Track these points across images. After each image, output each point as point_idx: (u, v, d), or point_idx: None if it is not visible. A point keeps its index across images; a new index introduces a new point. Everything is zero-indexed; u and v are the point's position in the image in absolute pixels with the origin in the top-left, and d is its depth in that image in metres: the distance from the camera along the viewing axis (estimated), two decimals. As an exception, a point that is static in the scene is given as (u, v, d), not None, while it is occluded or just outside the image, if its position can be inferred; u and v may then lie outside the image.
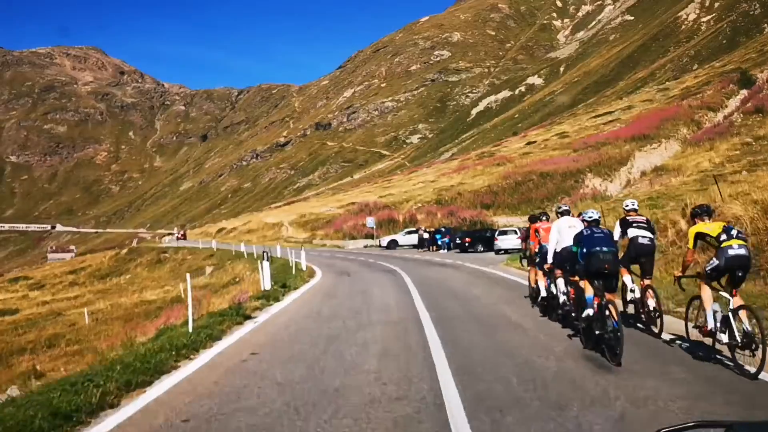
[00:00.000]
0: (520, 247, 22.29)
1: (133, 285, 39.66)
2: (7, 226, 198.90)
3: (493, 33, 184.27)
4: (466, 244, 33.44)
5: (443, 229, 37.85)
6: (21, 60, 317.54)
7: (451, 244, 35.46)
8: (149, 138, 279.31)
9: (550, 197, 39.86)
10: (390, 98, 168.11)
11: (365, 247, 44.61)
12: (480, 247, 32.96)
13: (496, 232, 30.83)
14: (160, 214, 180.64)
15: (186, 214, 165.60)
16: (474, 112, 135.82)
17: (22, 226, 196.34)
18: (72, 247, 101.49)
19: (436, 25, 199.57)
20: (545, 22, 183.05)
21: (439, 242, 36.70)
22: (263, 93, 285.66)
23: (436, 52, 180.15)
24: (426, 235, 37.93)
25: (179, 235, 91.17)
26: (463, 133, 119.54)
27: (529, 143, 49.46)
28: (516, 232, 27.15)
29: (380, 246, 41.60)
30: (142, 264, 51.69)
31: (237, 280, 24.00)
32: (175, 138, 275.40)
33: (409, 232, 41.22)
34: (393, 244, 40.77)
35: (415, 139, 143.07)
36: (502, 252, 28.87)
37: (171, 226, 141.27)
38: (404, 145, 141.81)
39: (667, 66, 75.20)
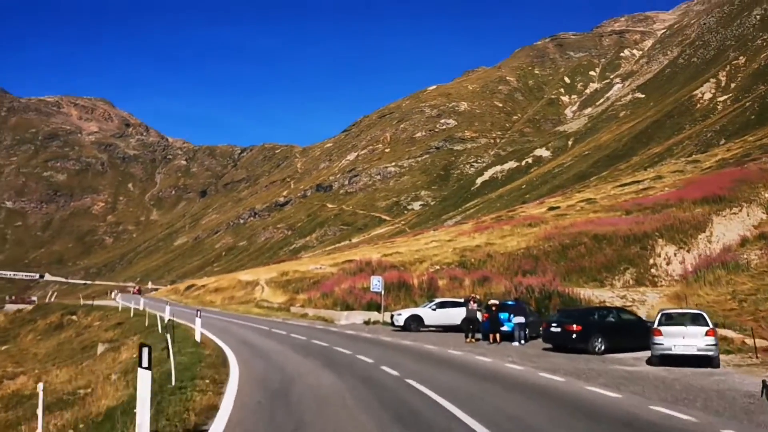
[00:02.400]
0: (709, 352, 15.27)
1: (6, 361, 31.72)
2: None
3: (500, 104, 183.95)
4: (574, 336, 19.00)
5: (513, 303, 24.02)
6: (28, 107, 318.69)
7: (526, 333, 22.58)
8: (148, 191, 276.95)
9: (610, 267, 31.23)
10: (393, 163, 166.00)
11: (366, 324, 31.47)
12: (599, 345, 18.91)
13: (657, 317, 16.57)
14: (151, 268, 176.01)
15: (178, 269, 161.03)
16: (479, 181, 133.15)
17: (9, 274, 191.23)
18: (33, 298, 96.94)
19: (444, 93, 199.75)
20: (553, 96, 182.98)
21: (508, 326, 22.78)
22: (266, 152, 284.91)
23: (442, 121, 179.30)
24: (478, 312, 23.41)
25: (134, 290, 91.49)
26: (466, 202, 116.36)
27: (551, 209, 44.75)
28: (704, 320, 15.69)
29: (393, 325, 28.48)
30: (37, 329, 43.33)
31: (89, 389, 15.87)
32: (174, 192, 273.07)
33: (442, 305, 28.13)
34: (414, 323, 27.36)
35: (416, 205, 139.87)
36: (670, 360, 16.03)
37: (162, 281, 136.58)
38: (405, 211, 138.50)
39: (685, 142, 72.46)
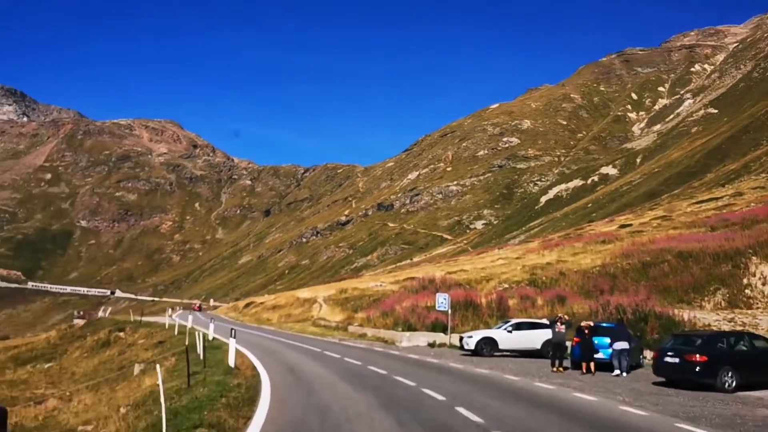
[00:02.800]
0: None
1: (35, 381, 30.20)
2: (68, 289, 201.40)
3: (565, 122, 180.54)
4: (698, 368, 15.61)
5: (612, 326, 20.68)
6: (102, 130, 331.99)
7: (627, 361, 18.94)
8: (214, 210, 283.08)
9: (699, 286, 27.77)
10: (455, 182, 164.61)
11: (431, 346, 28.82)
12: (730, 380, 15.57)
13: None
14: (216, 285, 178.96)
15: (242, 287, 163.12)
16: (543, 199, 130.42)
17: (83, 290, 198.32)
18: (100, 314, 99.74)
19: (506, 112, 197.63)
20: (619, 113, 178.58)
21: (604, 354, 19.54)
22: (328, 172, 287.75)
23: (504, 139, 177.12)
24: (563, 332, 20.18)
25: (195, 307, 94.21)
26: (530, 221, 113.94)
27: (622, 226, 42.52)
28: None
29: (462, 348, 25.54)
30: (84, 346, 41.98)
31: (89, 428, 14.07)
32: (239, 211, 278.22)
33: (518, 326, 25.14)
34: (487, 347, 24.56)
35: (479, 224, 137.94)
36: None
37: (226, 298, 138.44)
38: (467, 230, 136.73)
39: (763, 158, 68.90)
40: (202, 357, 20.33)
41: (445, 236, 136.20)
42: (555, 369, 19.87)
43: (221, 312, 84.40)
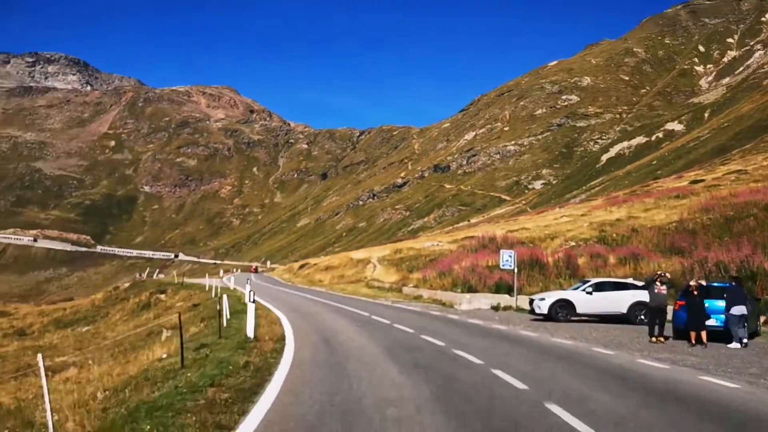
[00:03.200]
0: None
1: (64, 346, 28.89)
2: (135, 253, 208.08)
3: (627, 78, 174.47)
4: None
5: (727, 285, 17.11)
6: (161, 97, 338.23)
7: (745, 329, 15.74)
8: (272, 174, 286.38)
9: None
10: (513, 142, 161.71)
11: (495, 310, 26.33)
12: None
13: None
14: (275, 248, 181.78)
15: (301, 249, 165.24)
16: (604, 158, 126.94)
17: (148, 254, 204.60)
18: (161, 275, 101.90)
19: (565, 69, 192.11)
20: (686, 67, 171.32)
21: (717, 320, 16.49)
22: (384, 134, 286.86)
23: (563, 97, 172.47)
24: (663, 292, 17.19)
25: (252, 269, 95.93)
26: (591, 180, 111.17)
27: (693, 182, 40.38)
28: None
29: (532, 312, 23.11)
30: (125, 308, 41.12)
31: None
32: (296, 175, 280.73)
33: (599, 287, 22.15)
34: (563, 311, 21.97)
35: (538, 184, 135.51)
36: None
37: (285, 260, 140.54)
38: (526, 191, 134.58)
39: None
40: (226, 324, 19.09)
41: (503, 197, 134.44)
42: (654, 339, 16.57)
43: (276, 274, 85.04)
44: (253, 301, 16.67)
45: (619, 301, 21.80)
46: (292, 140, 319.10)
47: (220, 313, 19.24)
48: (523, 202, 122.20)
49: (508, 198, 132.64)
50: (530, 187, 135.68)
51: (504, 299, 27.35)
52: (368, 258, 52.58)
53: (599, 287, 22.36)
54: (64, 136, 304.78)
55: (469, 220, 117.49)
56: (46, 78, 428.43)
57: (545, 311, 22.32)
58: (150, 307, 38.01)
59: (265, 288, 45.00)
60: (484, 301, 27.63)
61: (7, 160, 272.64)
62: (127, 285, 54.09)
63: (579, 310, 22.23)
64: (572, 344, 15.96)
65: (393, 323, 20.58)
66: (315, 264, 68.44)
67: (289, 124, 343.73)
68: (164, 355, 15.77)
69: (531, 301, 23.69)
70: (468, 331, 18.84)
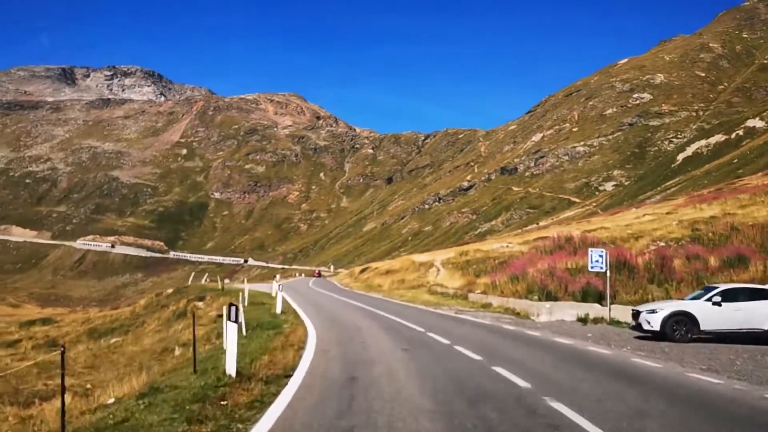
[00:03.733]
0: None
1: (79, 363, 26.08)
2: (206, 258, 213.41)
3: (703, 74, 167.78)
4: None
5: None
6: (231, 105, 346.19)
7: None
8: (338, 179, 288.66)
9: None
10: (582, 143, 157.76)
11: (582, 322, 22.19)
12: None
13: None
14: (342, 253, 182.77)
15: (367, 254, 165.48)
16: (680, 157, 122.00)
17: (219, 259, 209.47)
18: (227, 280, 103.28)
19: (637, 66, 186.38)
20: (765, 62, 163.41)
21: None
22: (449, 137, 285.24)
23: (635, 95, 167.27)
24: None
25: (315, 274, 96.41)
26: (666, 180, 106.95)
27: None
28: None
29: (636, 327, 18.78)
30: (161, 318, 38.53)
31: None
32: (362, 180, 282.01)
33: (729, 295, 17.64)
34: (680, 327, 17.60)
35: (608, 186, 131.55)
36: None
37: (351, 265, 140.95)
38: (596, 193, 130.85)
39: None
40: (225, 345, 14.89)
41: (573, 199, 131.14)
42: None
43: (338, 278, 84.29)
44: (235, 321, 11.47)
45: (758, 315, 17.32)
46: (357, 145, 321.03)
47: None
48: (594, 204, 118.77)
49: (577, 200, 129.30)
50: (601, 188, 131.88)
51: (593, 309, 23.02)
52: (431, 261, 49.62)
53: (730, 296, 17.71)
54: (140, 145, 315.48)
55: (537, 223, 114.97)
56: (123, 90, 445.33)
57: (656, 327, 17.72)
58: (185, 315, 35.10)
59: (313, 294, 43.42)
60: (568, 311, 23.60)
61: (87, 170, 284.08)
62: (170, 291, 51.02)
63: (703, 327, 17.54)
64: (733, 391, 10.60)
65: (453, 344, 15.95)
66: (376, 268, 65.88)
67: (354, 130, 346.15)
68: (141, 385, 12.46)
69: (635, 314, 18.98)
70: (559, 358, 14.17)
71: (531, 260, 31.89)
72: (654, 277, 24.28)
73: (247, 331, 19.36)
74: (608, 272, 22.42)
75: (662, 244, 28.51)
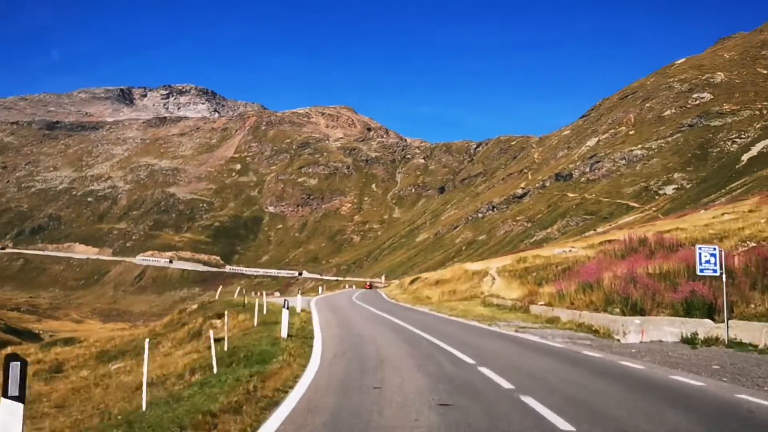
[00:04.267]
0: None
1: (52, 399, 22.24)
2: (261, 272, 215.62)
3: (765, 72, 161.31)
4: None
5: None
6: (283, 120, 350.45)
7: None
8: (390, 190, 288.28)
9: None
10: (639, 146, 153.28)
11: (691, 345, 17.08)
12: None
13: None
14: (395, 264, 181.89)
15: (420, 264, 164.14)
16: (745, 158, 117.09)
17: (274, 272, 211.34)
18: (276, 293, 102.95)
19: (695, 66, 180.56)
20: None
21: None
22: (501, 145, 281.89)
23: (694, 95, 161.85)
24: None
25: (366, 285, 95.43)
26: (731, 182, 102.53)
27: None
28: None
29: None
30: (176, 337, 34.78)
31: None
32: (413, 190, 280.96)
33: None
34: None
35: (669, 189, 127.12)
36: None
37: (404, 276, 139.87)
38: (656, 197, 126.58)
39: None
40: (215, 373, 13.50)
41: (631, 204, 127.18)
42: None
43: (387, 290, 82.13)
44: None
45: None
46: (408, 155, 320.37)
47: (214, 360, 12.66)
48: (654, 208, 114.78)
49: (636, 205, 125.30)
50: (661, 192, 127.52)
51: (703, 326, 17.71)
52: (485, 269, 46.21)
53: None
54: (195, 161, 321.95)
55: (595, 230, 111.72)
56: (178, 108, 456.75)
57: None
58: (200, 335, 31.15)
59: (348, 309, 37.55)
60: (666, 329, 18.37)
61: (145, 187, 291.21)
62: (194, 307, 46.06)
63: None
64: None
65: (519, 390, 10.53)
66: (425, 278, 62.26)
67: (405, 140, 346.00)
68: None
69: None
70: (692, 422, 8.58)
71: (601, 266, 27.10)
72: (756, 282, 19.79)
73: (226, 365, 14.90)
74: (724, 276, 17.44)
75: (753, 244, 24.46)
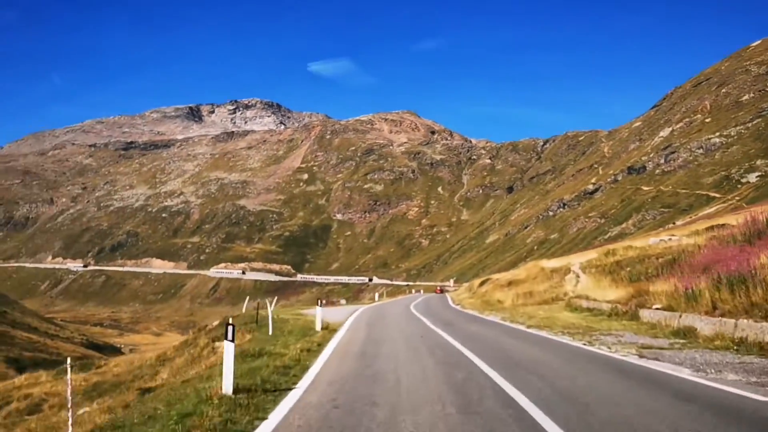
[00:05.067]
0: None
1: None
2: (332, 279, 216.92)
3: None
4: None
5: None
6: (347, 128, 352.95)
7: None
8: (456, 192, 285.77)
9: None
10: (717, 134, 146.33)
11: None
12: None
13: None
14: (466, 266, 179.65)
15: (491, 266, 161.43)
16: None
17: (344, 279, 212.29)
18: (343, 300, 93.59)
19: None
20: None
21: None
22: (569, 141, 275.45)
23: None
24: None
25: (438, 290, 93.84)
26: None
27: None
28: None
29: None
30: (174, 366, 27.77)
31: None
32: (481, 191, 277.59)
33: None
34: None
35: (752, 177, 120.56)
36: None
37: (475, 279, 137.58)
38: (738, 186, 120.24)
39: None
40: None
41: (711, 194, 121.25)
42: None
43: (455, 294, 78.08)
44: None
45: None
46: (474, 156, 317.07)
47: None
48: (737, 197, 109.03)
49: (717, 195, 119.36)
50: (743, 180, 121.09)
51: None
52: (567, 266, 39.60)
53: None
54: (263, 173, 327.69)
55: (674, 222, 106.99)
56: (245, 122, 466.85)
57: None
58: (199, 360, 24.66)
59: (395, 322, 28.45)
60: None
61: (216, 200, 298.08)
62: (215, 324, 38.56)
63: None
64: None
65: None
66: (496, 279, 55.40)
67: (470, 141, 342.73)
68: None
69: None
70: None
71: (722, 255, 20.38)
72: None
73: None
74: None
75: None
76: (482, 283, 60.19)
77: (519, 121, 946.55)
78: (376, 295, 78.12)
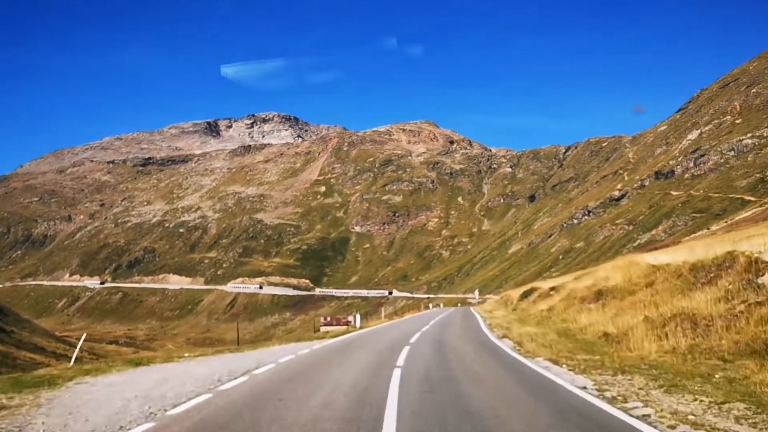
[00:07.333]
0: None
1: None
2: (351, 293, 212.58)
3: None
4: None
5: None
6: (364, 139, 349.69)
7: None
8: (477, 202, 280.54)
9: None
10: (749, 135, 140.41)
11: None
12: None
13: None
14: (489, 278, 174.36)
15: (515, 277, 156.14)
16: None
17: (363, 292, 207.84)
18: (350, 318, 78.57)
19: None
20: None
21: None
22: (592, 147, 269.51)
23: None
24: None
25: (477, 301, 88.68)
26: None
27: None
28: None
29: None
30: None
31: None
32: (502, 200, 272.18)
33: None
34: None
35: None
36: None
37: (499, 290, 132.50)
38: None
39: None
40: None
41: (746, 198, 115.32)
42: None
43: (484, 308, 60.30)
44: None
45: None
46: (494, 165, 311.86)
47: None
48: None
49: (752, 198, 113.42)
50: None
51: None
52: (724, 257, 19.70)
53: None
54: (280, 187, 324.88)
55: (708, 228, 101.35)
56: (263, 136, 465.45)
57: None
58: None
59: (373, 386, 12.46)
60: None
61: (233, 215, 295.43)
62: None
63: None
64: None
65: None
66: (551, 290, 37.93)
67: (490, 150, 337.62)
68: None
69: None
70: None
71: None
72: None
73: None
74: None
75: None
76: (525, 295, 46.50)
77: (539, 130, 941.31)
78: (382, 309, 66.46)
